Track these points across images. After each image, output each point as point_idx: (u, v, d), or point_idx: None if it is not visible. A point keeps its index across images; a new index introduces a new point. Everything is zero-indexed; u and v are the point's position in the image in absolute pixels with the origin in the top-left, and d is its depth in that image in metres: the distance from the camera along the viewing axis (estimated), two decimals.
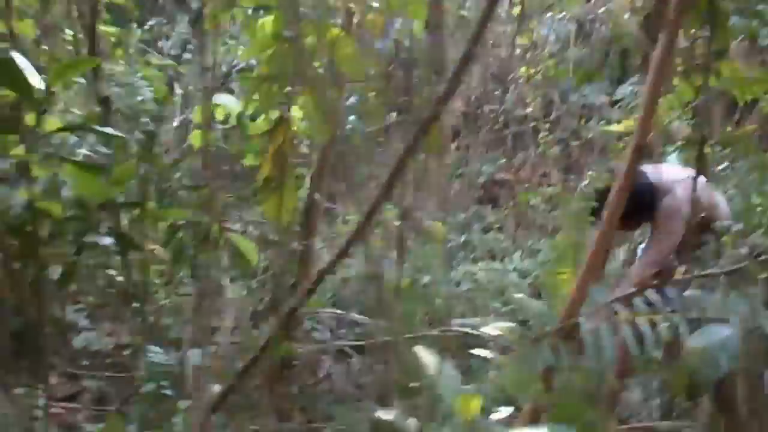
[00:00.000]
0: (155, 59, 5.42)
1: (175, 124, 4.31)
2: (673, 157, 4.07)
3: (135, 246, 3.15)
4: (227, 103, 4.54)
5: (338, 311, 4.55)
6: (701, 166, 3.16)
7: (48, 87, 2.26)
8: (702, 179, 3.48)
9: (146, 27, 6.68)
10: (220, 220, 2.88)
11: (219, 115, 4.64)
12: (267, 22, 3.71)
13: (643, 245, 3.82)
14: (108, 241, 3.00)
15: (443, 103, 1.64)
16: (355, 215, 6.08)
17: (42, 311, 2.81)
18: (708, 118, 3.00)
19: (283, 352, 3.06)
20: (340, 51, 3.39)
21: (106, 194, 2.95)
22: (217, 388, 2.91)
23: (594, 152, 7.18)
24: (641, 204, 3.33)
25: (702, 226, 3.37)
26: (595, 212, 3.32)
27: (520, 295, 3.61)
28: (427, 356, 2.09)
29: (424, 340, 3.97)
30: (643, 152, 2.34)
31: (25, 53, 2.46)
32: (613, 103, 6.43)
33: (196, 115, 4.35)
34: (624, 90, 5.22)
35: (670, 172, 3.63)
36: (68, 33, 3.54)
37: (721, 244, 3.57)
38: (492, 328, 2.29)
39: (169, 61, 5.93)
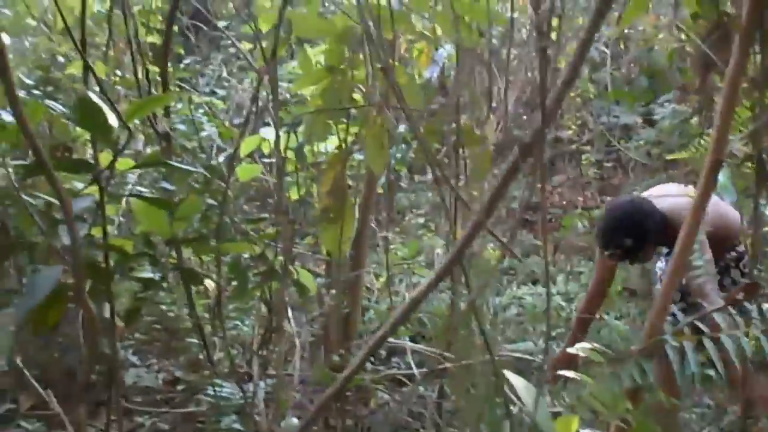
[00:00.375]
0: (195, 96, 5.49)
1: (221, 158, 4.35)
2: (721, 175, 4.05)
3: (200, 281, 3.17)
4: (269, 135, 4.58)
5: (394, 340, 4.53)
6: (761, 184, 3.14)
7: (125, 125, 2.29)
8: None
9: (182, 65, 6.79)
10: (288, 253, 2.89)
11: (264, 149, 4.69)
12: (319, 53, 3.78)
13: (660, 264, 3.84)
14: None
15: (544, 129, 1.65)
16: (399, 244, 6.13)
17: (94, 348, 2.81)
18: (764, 135, 2.98)
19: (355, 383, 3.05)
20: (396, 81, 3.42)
21: (173, 230, 2.98)
22: (293, 421, 2.92)
23: (629, 173, 7.20)
24: (655, 233, 3.38)
25: (720, 244, 3.40)
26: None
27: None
28: (516, 380, 2.09)
29: (483, 365, 3.97)
30: (720, 168, 2.33)
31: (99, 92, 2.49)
32: (650, 123, 6.44)
33: (243, 149, 4.38)
34: (664, 110, 5.21)
35: (660, 194, 3.64)
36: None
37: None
38: (576, 349, 2.28)
39: (208, 98, 6.02)
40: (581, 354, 2.33)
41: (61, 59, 4.72)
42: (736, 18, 3.27)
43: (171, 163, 2.48)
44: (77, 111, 2.28)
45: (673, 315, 2.69)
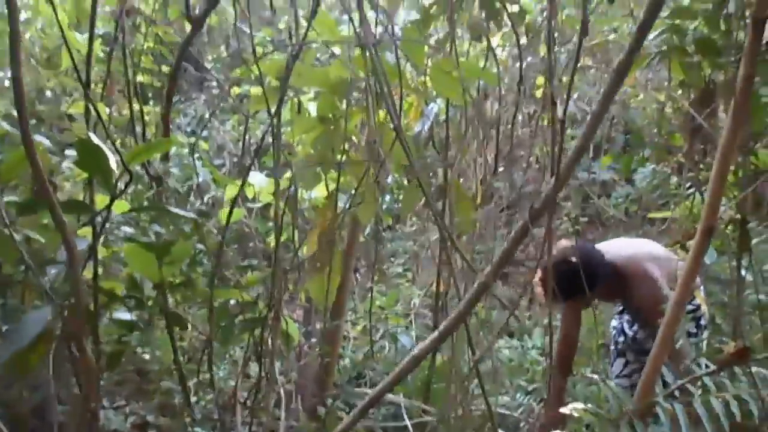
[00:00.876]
0: (179, 137, 5.48)
1: (203, 201, 4.33)
2: None
3: (184, 326, 3.13)
4: (258, 182, 4.57)
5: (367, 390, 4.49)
6: (744, 245, 3.21)
7: (126, 169, 2.29)
8: (670, 255, 3.61)
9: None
10: (275, 301, 2.87)
11: (249, 194, 4.68)
12: (306, 101, 3.81)
13: (614, 323, 3.89)
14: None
15: (555, 193, 1.68)
16: (376, 293, 6.11)
17: (90, 394, 2.76)
18: (747, 198, 3.06)
19: None
20: (386, 134, 3.46)
21: (161, 274, 2.95)
22: None
23: (604, 229, 7.30)
24: (601, 280, 3.39)
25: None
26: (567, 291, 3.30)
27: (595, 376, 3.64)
28: None
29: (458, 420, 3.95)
30: (713, 234, 2.38)
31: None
32: (628, 180, 6.56)
33: (227, 193, 4.38)
34: (645, 171, 5.32)
35: (629, 248, 3.67)
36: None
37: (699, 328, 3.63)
38: (569, 410, 2.29)
39: (190, 139, 6.00)
40: (574, 414, 2.33)
41: (48, 93, 4.70)
42: (723, 86, 3.38)
43: (169, 208, 2.47)
44: (78, 152, 2.27)
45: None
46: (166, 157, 3.00)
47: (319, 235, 3.42)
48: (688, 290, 2.43)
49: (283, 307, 5.10)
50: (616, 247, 3.69)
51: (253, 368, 4.48)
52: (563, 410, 2.38)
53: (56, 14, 2.19)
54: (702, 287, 3.72)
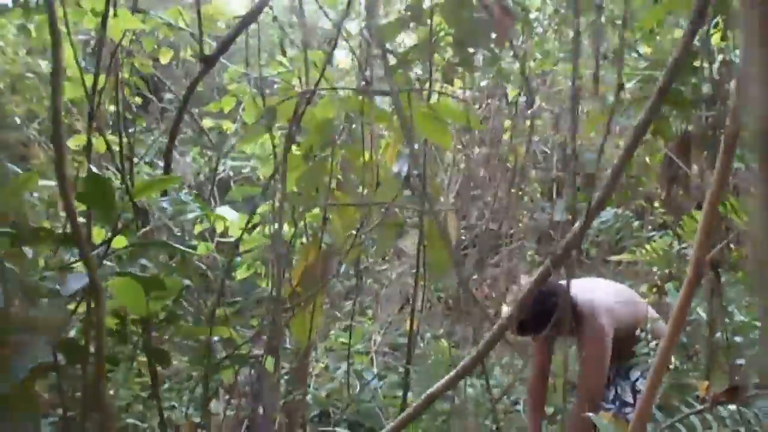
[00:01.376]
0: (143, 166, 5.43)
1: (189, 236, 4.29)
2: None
3: (168, 362, 3.09)
4: (227, 215, 4.55)
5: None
6: (715, 290, 3.35)
7: (133, 203, 2.27)
8: (636, 298, 3.71)
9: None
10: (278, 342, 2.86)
11: (218, 227, 4.65)
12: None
13: None
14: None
15: (579, 238, 1.74)
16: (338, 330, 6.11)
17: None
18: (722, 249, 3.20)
19: None
20: (368, 175, 3.51)
21: (148, 309, 2.92)
22: None
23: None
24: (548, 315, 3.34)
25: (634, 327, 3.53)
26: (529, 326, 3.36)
27: None
28: None
29: None
30: (700, 282, 2.48)
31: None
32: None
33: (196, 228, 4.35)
34: (607, 214, 5.48)
35: (593, 291, 3.70)
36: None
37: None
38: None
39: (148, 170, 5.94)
40: None
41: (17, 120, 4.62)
42: (696, 137, 3.55)
43: (170, 243, 2.45)
44: (85, 184, 2.25)
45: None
46: (165, 193, 2.98)
47: (303, 273, 3.43)
48: (677, 337, 2.51)
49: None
50: (580, 286, 3.73)
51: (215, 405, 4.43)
52: None
53: (72, 46, 2.17)
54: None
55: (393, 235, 4.20)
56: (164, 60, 4.71)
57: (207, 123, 5.07)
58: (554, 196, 7.60)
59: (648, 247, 4.22)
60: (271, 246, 2.91)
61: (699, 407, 2.56)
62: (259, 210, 4.51)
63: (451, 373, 2.09)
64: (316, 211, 3.65)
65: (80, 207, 2.65)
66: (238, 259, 4.73)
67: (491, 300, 7.40)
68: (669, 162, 3.60)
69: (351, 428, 5.02)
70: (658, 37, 3.87)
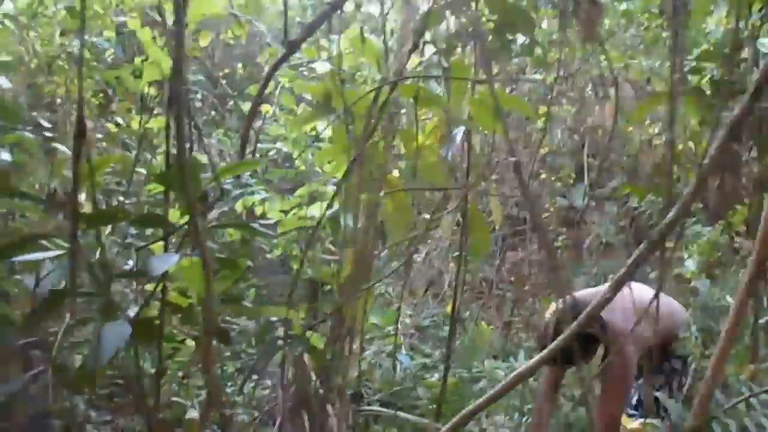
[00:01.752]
0: None
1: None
2: None
3: (229, 341, 3.15)
4: (271, 200, 4.58)
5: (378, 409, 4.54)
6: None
7: (218, 185, 2.32)
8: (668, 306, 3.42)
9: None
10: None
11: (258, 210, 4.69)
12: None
13: None
14: None
15: (673, 226, 1.80)
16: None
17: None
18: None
19: None
20: (424, 159, 3.56)
21: (213, 289, 2.97)
22: None
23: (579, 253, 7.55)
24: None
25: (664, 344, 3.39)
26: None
27: None
28: None
29: None
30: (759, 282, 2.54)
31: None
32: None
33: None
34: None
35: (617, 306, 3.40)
36: None
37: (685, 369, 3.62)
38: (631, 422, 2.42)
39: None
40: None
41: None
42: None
43: (252, 225, 2.50)
44: (171, 167, 2.30)
45: None
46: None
47: (358, 255, 3.48)
48: (738, 329, 2.58)
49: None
50: (618, 305, 3.38)
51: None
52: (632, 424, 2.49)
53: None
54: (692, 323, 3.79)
55: (409, 218, 4.22)
56: (204, 43, 4.74)
57: (246, 108, 5.09)
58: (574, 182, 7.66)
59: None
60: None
61: (760, 390, 2.64)
62: (297, 193, 4.57)
63: (543, 353, 2.15)
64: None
65: (158, 188, 2.69)
66: (274, 241, 4.79)
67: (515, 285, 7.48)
68: (721, 150, 3.63)
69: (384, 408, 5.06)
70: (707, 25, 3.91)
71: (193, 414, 3.56)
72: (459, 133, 4.04)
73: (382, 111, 2.62)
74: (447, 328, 6.21)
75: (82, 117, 1.88)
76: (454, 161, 4.09)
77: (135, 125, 4.94)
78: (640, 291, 3.73)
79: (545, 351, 2.16)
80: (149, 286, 2.76)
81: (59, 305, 2.60)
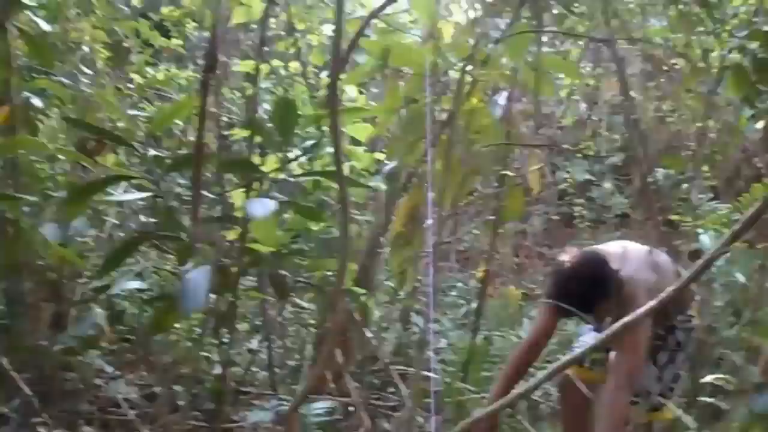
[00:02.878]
0: None
1: None
2: None
3: (288, 294, 3.15)
4: None
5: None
6: None
7: (319, 128, 2.32)
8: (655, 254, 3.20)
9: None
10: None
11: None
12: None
13: (585, 336, 3.58)
14: None
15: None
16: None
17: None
18: None
19: None
20: (476, 121, 3.57)
21: (279, 241, 2.97)
22: None
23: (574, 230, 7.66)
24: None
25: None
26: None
27: None
28: None
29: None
30: None
31: None
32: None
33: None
34: (658, 174, 5.50)
35: (627, 260, 3.23)
36: None
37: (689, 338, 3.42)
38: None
39: None
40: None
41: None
42: None
43: (344, 174, 2.49)
44: (275, 108, 2.28)
45: None
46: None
47: (408, 213, 3.50)
48: None
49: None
50: (618, 257, 3.25)
51: None
52: None
53: None
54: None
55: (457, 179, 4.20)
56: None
57: (276, 63, 4.99)
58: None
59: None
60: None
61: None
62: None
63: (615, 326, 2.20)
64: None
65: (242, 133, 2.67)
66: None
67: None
68: None
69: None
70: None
71: None
72: (501, 96, 4.07)
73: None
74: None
75: (215, 51, 1.84)
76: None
77: (160, 77, 4.87)
78: (643, 252, 3.47)
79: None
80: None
81: (138, 248, 2.58)
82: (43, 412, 3.29)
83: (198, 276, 2.35)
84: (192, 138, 3.37)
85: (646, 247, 3.32)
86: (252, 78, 2.42)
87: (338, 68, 2.67)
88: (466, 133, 3.51)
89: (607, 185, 7.62)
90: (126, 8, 5.39)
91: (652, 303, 2.34)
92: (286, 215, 2.84)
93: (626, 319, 2.41)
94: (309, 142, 2.53)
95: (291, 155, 2.57)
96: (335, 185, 2.94)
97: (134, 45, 5.32)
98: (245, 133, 2.53)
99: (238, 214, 2.53)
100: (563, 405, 3.62)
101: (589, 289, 3.03)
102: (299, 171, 2.63)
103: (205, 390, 4.33)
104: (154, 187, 2.47)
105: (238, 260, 2.60)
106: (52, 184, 3.60)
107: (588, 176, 7.56)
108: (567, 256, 3.42)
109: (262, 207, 2.32)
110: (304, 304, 3.86)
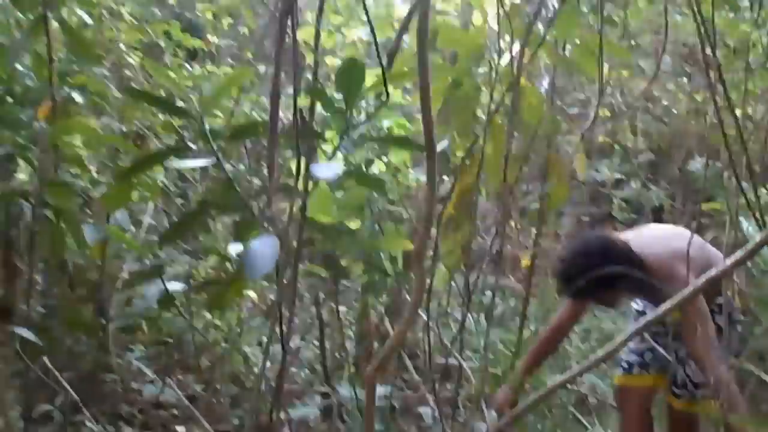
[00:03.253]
0: None
1: None
2: None
3: (345, 275, 3.09)
4: None
5: None
6: None
7: (386, 89, 2.28)
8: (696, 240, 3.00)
9: None
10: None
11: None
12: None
13: (636, 306, 3.60)
14: None
15: None
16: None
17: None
18: None
19: None
20: (525, 101, 3.52)
21: (335, 218, 2.92)
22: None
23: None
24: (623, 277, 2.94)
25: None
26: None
27: None
28: None
29: None
30: None
31: None
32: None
33: None
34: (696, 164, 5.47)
35: (652, 239, 3.27)
36: None
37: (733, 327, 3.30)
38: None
39: None
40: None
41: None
42: None
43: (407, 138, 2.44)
44: (341, 70, 2.24)
45: None
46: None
47: (459, 197, 3.44)
48: None
49: None
50: (640, 240, 3.24)
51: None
52: None
53: None
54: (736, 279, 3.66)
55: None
56: None
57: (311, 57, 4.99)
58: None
59: None
60: None
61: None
62: None
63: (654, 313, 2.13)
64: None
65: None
66: None
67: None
68: None
69: None
70: None
71: None
72: (546, 81, 4.04)
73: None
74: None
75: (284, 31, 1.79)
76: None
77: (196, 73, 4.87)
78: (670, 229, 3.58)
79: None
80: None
81: (202, 218, 2.53)
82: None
83: (265, 243, 2.30)
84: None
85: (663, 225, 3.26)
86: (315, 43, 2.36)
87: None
88: (516, 116, 3.46)
89: (634, 185, 7.56)
90: (157, 12, 5.42)
91: (711, 273, 2.17)
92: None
93: (686, 291, 2.25)
94: (374, 106, 2.48)
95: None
96: None
97: (167, 47, 5.33)
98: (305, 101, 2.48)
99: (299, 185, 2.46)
100: (622, 413, 3.59)
101: (600, 261, 2.92)
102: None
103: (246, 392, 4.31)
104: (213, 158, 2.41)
105: (300, 230, 2.52)
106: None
107: (618, 175, 7.49)
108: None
109: (329, 170, 2.27)
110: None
